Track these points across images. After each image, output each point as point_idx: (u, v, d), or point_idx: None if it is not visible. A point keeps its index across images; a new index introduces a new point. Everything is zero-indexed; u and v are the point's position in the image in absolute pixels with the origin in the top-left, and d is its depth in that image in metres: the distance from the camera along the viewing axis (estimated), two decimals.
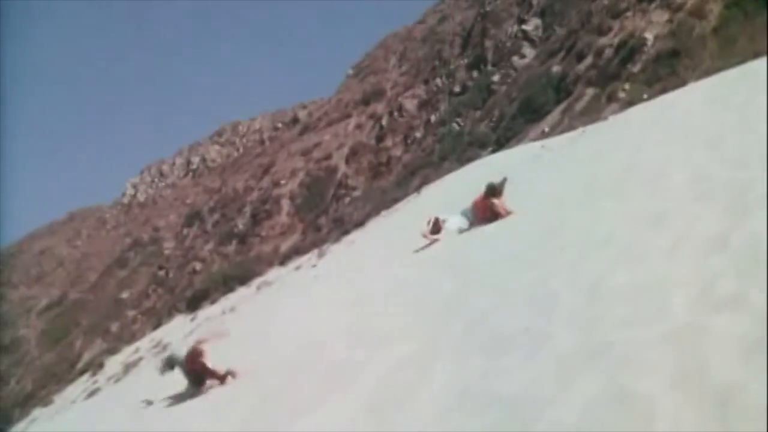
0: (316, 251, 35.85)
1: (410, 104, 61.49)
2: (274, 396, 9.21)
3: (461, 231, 14.83)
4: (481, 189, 14.88)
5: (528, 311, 7.23)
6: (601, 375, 5.01)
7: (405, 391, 6.80)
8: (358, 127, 68.24)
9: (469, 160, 33.87)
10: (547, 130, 32.73)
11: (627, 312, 5.80)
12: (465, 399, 5.92)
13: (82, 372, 54.70)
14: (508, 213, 13.89)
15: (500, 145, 36.76)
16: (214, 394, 11.19)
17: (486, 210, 14.44)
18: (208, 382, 11.68)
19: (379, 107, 68.22)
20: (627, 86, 30.18)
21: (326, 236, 43.96)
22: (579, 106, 32.68)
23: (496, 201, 14.26)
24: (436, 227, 15.32)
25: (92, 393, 36.18)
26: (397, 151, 57.29)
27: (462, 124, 48.11)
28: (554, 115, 34.59)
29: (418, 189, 34.23)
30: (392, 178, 50.73)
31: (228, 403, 10.14)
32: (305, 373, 9.50)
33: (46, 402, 51.67)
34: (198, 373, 11.72)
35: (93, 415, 16.34)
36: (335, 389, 8.00)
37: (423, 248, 14.87)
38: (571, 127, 28.09)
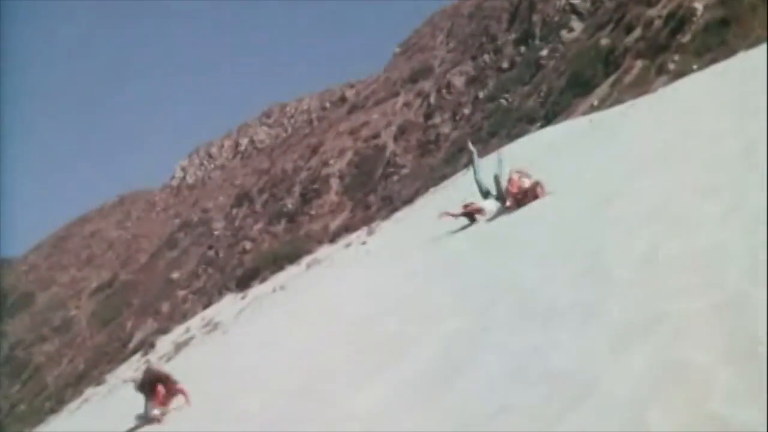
0: (365, 229, 35.87)
1: (458, 81, 61.25)
2: (327, 371, 9.27)
3: (490, 219, 14.66)
4: (521, 167, 14.72)
5: (580, 284, 7.20)
6: (654, 347, 4.97)
7: (457, 365, 6.81)
8: (406, 105, 68.13)
9: (518, 135, 33.69)
10: (596, 103, 32.46)
11: (680, 283, 5.73)
12: (517, 373, 5.90)
13: (134, 351, 55.28)
14: (545, 194, 13.77)
15: (549, 120, 36.52)
16: (268, 370, 11.24)
17: (518, 194, 14.24)
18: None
19: (427, 85, 68.04)
20: (677, 57, 29.81)
21: (375, 214, 44.05)
22: (628, 78, 32.36)
23: (539, 189, 14.06)
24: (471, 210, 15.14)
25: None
26: (446, 128, 57.11)
27: (510, 99, 47.84)
28: (603, 88, 34.30)
29: (466, 165, 34.06)
30: (441, 155, 50.65)
31: (283, 377, 10.18)
32: (357, 348, 9.55)
33: (98, 381, 52.30)
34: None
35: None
36: (387, 364, 8.04)
37: (471, 224, 14.77)
38: (620, 101, 27.81)
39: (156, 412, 11.56)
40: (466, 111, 55.89)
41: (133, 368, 43.93)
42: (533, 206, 13.14)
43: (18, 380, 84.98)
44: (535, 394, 5.34)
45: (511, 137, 34.76)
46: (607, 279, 6.84)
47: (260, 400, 9.63)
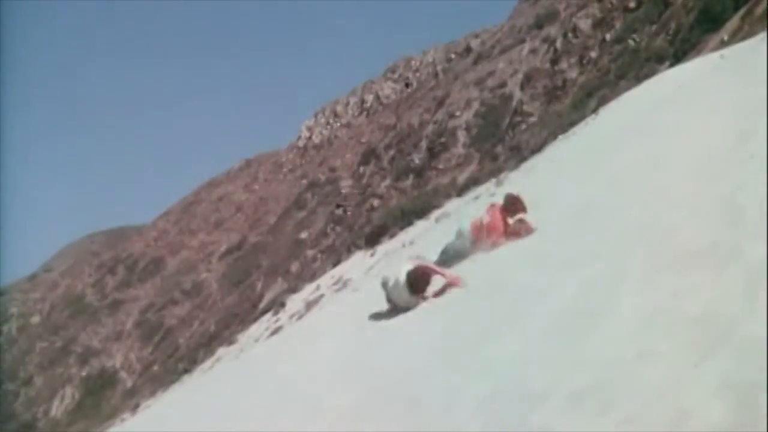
0: (493, 180, 35.61)
1: (584, 24, 60.14)
2: (462, 322, 9.35)
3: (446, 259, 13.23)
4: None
5: (715, 225, 7.05)
6: None
7: (593, 313, 6.75)
8: (532, 51, 67.26)
9: (647, 76, 32.93)
10: (726, 38, 31.55)
11: None
12: (654, 318, 5.85)
13: (264, 311, 56.20)
14: (528, 232, 12.51)
15: (678, 58, 35.65)
16: (402, 324, 11.29)
17: (499, 228, 12.80)
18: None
19: (553, 30, 66.98)
20: None
21: (503, 165, 43.61)
22: (759, 10, 31.29)
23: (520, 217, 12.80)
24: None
25: (275, 331, 37.03)
26: (573, 73, 56.27)
27: (638, 39, 46.87)
28: (734, 21, 33.27)
29: (595, 110, 33.52)
30: (568, 102, 49.89)
31: (417, 330, 10.23)
32: (492, 298, 9.54)
33: (230, 341, 53.47)
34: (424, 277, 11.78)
35: (278, 349, 16.70)
36: (522, 313, 8.03)
37: (597, 171, 14.49)
38: (751, 33, 26.99)
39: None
40: (593, 54, 54.97)
41: (263, 327, 44.70)
42: (664, 148, 12.80)
43: (150, 342, 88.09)
44: (674, 340, 5.29)
45: (640, 79, 33.95)
46: (743, 220, 6.70)
47: (395, 353, 9.70)
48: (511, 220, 12.88)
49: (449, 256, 13.24)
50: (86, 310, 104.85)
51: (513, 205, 13.08)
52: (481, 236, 12.87)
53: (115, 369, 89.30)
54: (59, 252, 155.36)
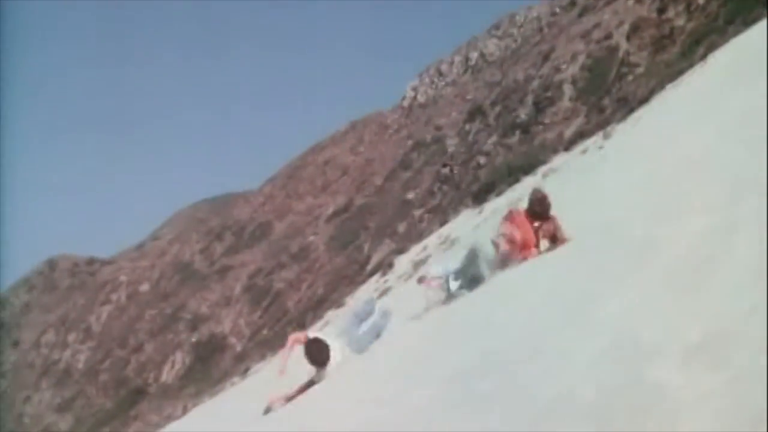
0: (601, 133, 35.13)
1: None
2: (575, 275, 9.31)
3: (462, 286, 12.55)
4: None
5: None
6: None
7: (706, 265, 6.56)
8: (638, 1, 65.82)
9: (755, 20, 32.01)
10: None
11: None
12: None
13: (372, 273, 56.16)
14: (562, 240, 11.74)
15: None
16: (510, 283, 11.28)
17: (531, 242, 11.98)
18: None
19: None
20: None
21: (610, 117, 42.94)
22: None
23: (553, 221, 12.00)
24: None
25: (384, 292, 36.85)
26: (680, 21, 54.96)
27: None
28: None
29: (703, 57, 32.75)
30: (676, 50, 48.81)
31: (526, 286, 10.19)
32: (604, 251, 9.45)
33: (338, 304, 53.60)
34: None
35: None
36: (635, 267, 7.86)
37: (705, 120, 14.16)
38: None
39: None
40: (701, 1, 53.66)
41: (372, 289, 44.63)
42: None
43: (259, 307, 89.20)
44: None
45: (748, 23, 32.96)
46: None
47: (506, 309, 9.68)
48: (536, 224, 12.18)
49: (468, 280, 12.53)
50: (194, 277, 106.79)
51: (539, 206, 12.32)
52: (514, 251, 12.04)
53: (225, 334, 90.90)
54: (167, 221, 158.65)
